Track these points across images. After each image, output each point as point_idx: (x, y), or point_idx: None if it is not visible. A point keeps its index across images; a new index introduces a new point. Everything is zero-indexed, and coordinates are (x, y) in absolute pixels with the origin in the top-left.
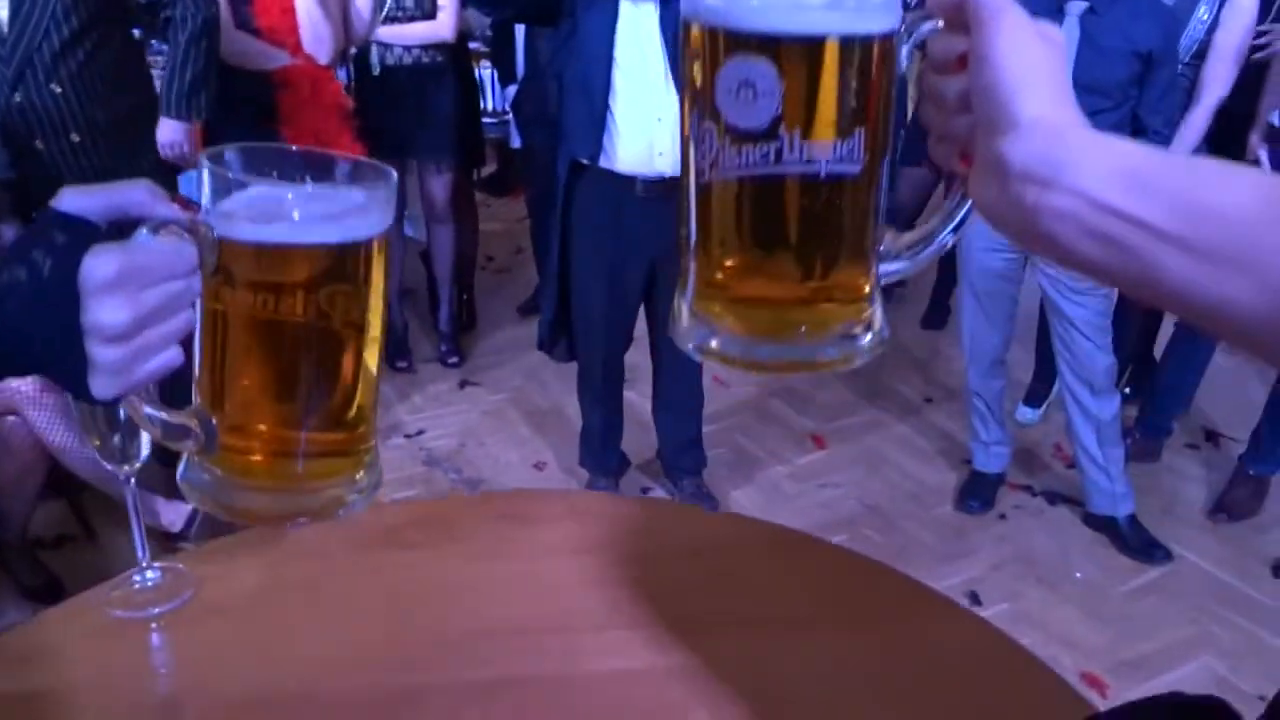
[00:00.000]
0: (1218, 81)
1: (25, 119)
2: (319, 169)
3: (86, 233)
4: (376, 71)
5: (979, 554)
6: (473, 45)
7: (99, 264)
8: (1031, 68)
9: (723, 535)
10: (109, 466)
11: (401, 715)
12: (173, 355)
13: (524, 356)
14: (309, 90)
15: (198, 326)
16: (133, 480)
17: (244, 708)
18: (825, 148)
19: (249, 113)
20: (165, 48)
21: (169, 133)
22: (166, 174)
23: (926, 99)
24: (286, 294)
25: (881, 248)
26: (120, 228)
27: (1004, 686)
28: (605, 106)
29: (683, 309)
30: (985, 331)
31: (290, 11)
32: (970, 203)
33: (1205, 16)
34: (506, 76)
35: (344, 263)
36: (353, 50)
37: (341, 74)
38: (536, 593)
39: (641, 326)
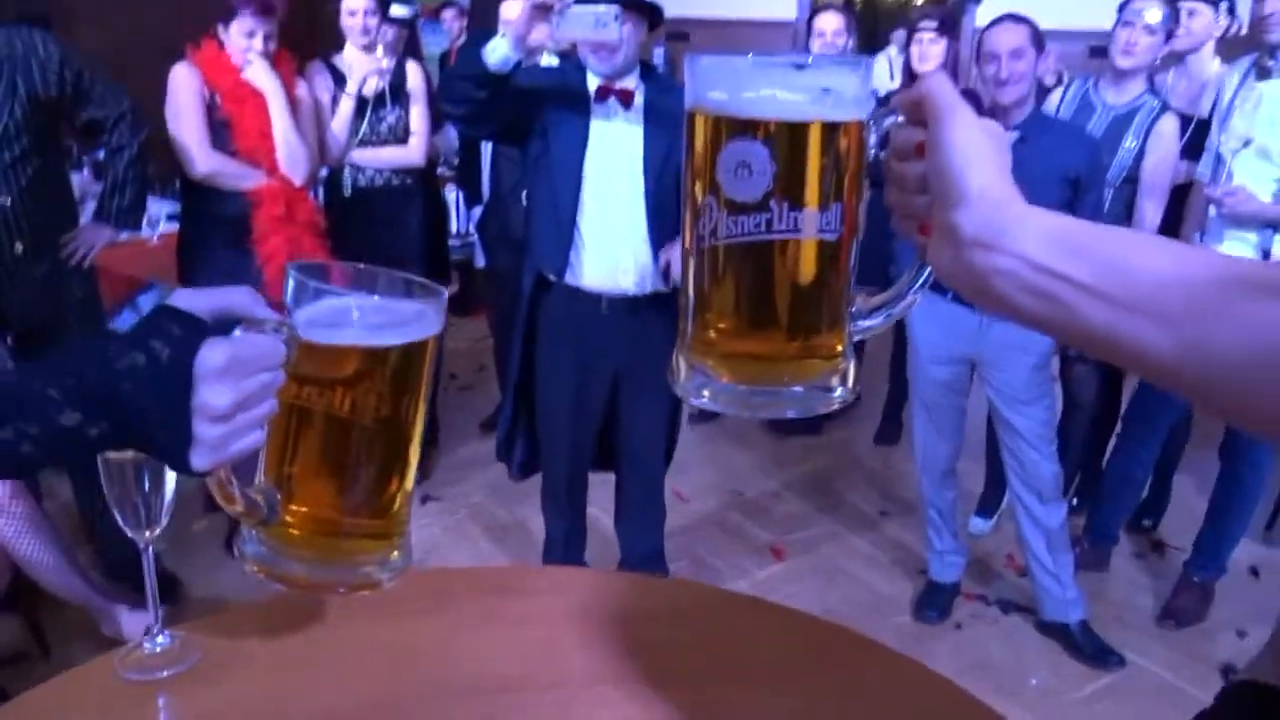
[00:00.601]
0: (1147, 217)
1: None
2: (385, 284)
3: (199, 327)
4: (348, 193)
5: (936, 663)
6: (440, 170)
7: (212, 355)
8: (978, 152)
9: (699, 598)
10: (130, 533)
11: None
12: (259, 436)
13: (485, 472)
14: (284, 209)
15: None
16: (150, 548)
17: None
18: (810, 217)
19: (226, 229)
20: (92, 157)
21: (95, 235)
22: (85, 276)
23: (891, 182)
24: (348, 390)
25: (854, 309)
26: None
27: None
28: (573, 224)
29: (680, 363)
30: (935, 442)
31: (267, 135)
32: (929, 268)
33: (1131, 145)
34: (473, 198)
35: (400, 364)
36: (324, 171)
37: (313, 195)
38: (526, 653)
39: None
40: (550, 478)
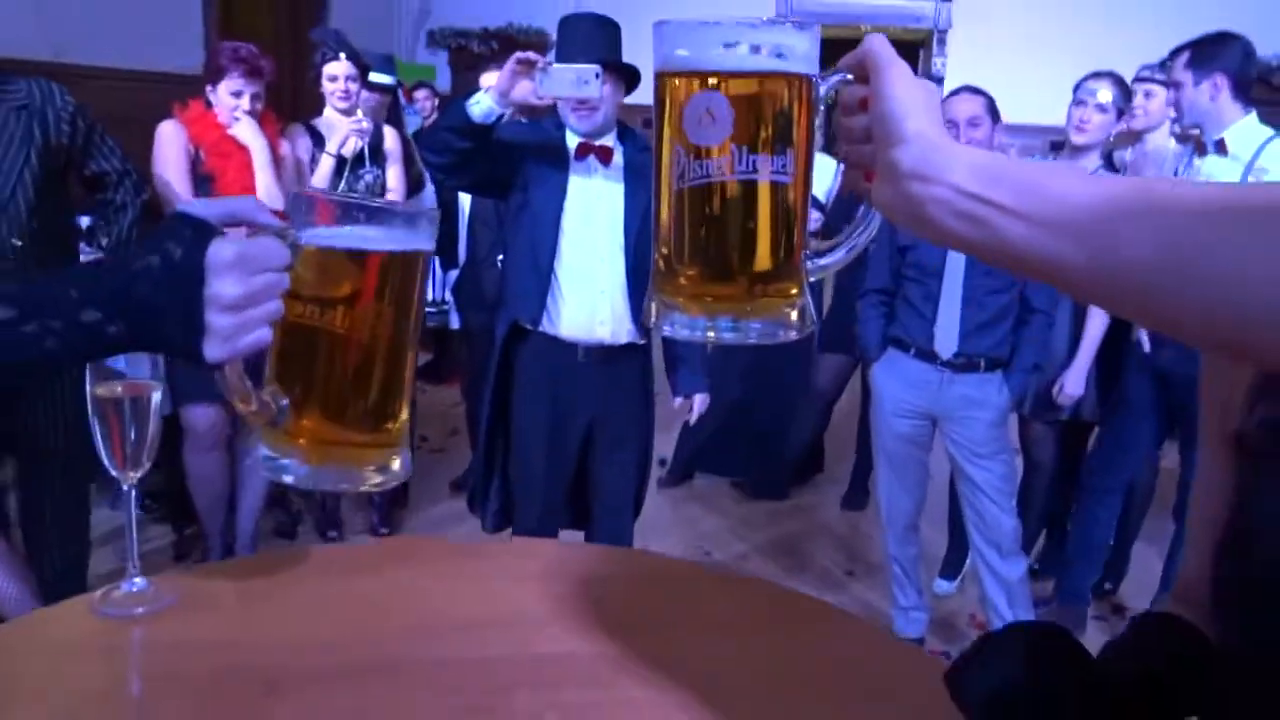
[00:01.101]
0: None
1: None
2: (378, 205)
3: (209, 230)
4: None
5: None
6: None
7: (222, 249)
8: (913, 100)
9: (667, 567)
10: (114, 473)
11: (370, 685)
12: (266, 333)
13: (455, 530)
14: None
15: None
16: (134, 489)
17: (217, 686)
18: (765, 160)
19: None
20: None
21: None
22: None
23: (840, 136)
24: (346, 300)
25: (808, 250)
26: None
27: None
28: (550, 272)
29: (652, 304)
30: (899, 495)
31: (249, 190)
32: (875, 212)
33: None
34: (449, 262)
35: (395, 273)
36: None
37: None
38: (488, 598)
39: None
40: (522, 532)
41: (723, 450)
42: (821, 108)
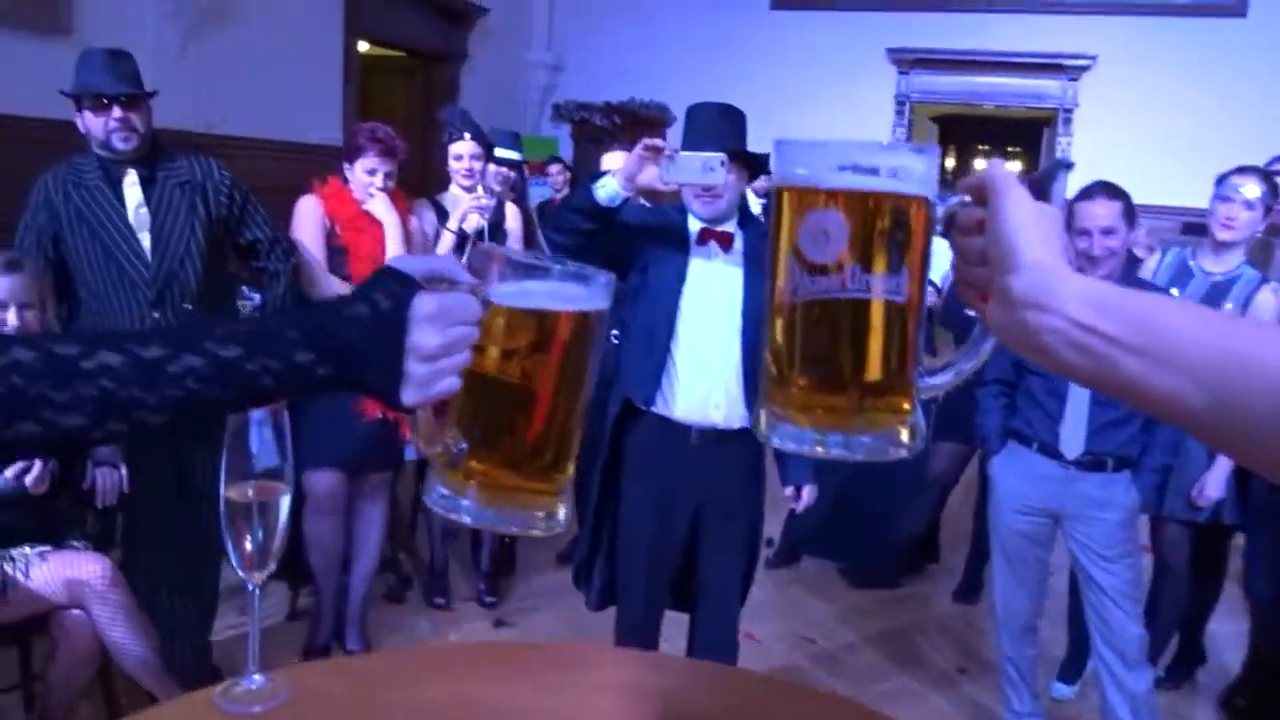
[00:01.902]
0: None
1: None
2: (561, 266)
3: (413, 284)
4: None
5: None
6: None
7: (424, 303)
8: (1030, 225)
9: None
10: (241, 574)
11: None
12: (456, 382)
13: (560, 603)
14: None
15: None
16: (258, 590)
17: None
18: (878, 279)
19: None
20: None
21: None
22: None
23: (957, 255)
24: (526, 354)
25: (921, 367)
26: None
27: None
28: (667, 354)
29: (761, 413)
30: (1016, 595)
31: (379, 262)
32: (990, 336)
33: (1232, 308)
34: None
35: (572, 331)
36: None
37: None
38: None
39: None
40: (626, 610)
41: (831, 534)
42: (939, 229)
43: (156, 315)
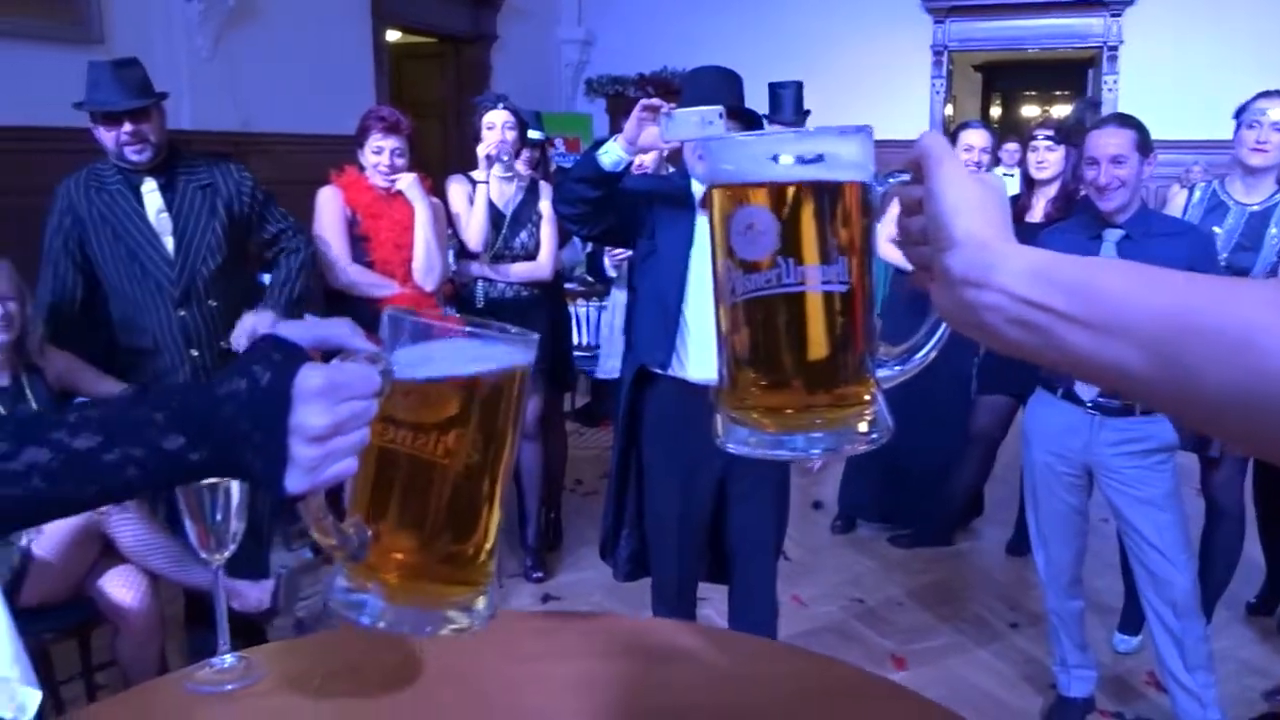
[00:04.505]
0: None
1: (186, 331)
2: (475, 326)
3: (299, 354)
4: (481, 304)
5: None
6: (568, 285)
7: (310, 376)
8: (964, 198)
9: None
10: (202, 554)
11: None
12: (351, 465)
13: (607, 575)
14: None
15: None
16: (221, 571)
17: None
18: (814, 271)
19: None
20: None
21: (259, 320)
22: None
23: (901, 237)
24: (436, 430)
25: (876, 357)
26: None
27: None
28: (678, 315)
29: (718, 418)
30: (1055, 546)
31: (403, 248)
32: (944, 321)
33: (1275, 232)
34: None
35: (487, 399)
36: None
37: (449, 310)
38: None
39: None
40: (660, 581)
41: (885, 500)
42: (878, 210)
43: (183, 313)
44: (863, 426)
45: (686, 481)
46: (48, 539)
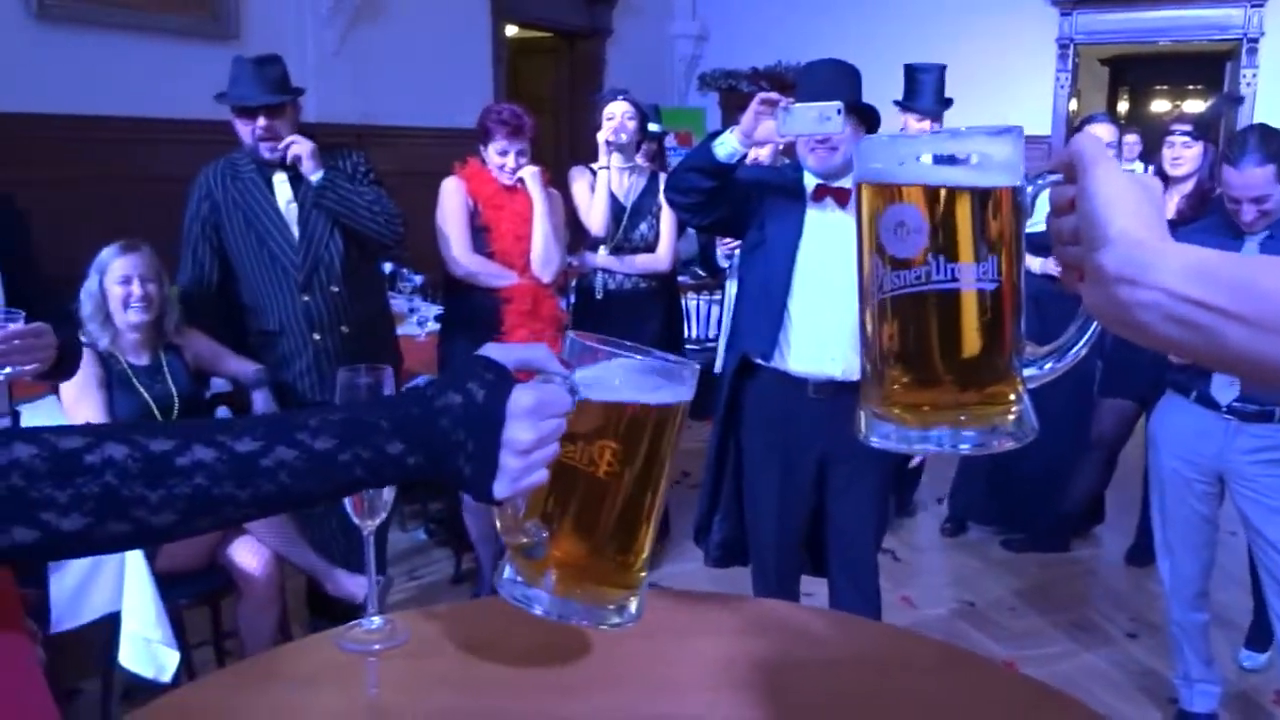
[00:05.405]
0: None
1: (309, 316)
2: (645, 356)
3: (507, 375)
4: (599, 295)
5: None
6: (681, 279)
7: (521, 397)
8: (1118, 197)
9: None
10: (355, 519)
11: None
12: (544, 475)
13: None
14: (530, 305)
15: None
16: (371, 536)
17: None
18: (965, 269)
19: (479, 323)
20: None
21: (303, 149)
22: (394, 351)
23: (1051, 237)
24: (608, 445)
25: (1022, 357)
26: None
27: None
28: (783, 307)
29: (861, 413)
30: (1180, 557)
31: (522, 239)
32: (1095, 319)
33: None
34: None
35: (654, 422)
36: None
37: (563, 302)
38: (702, 658)
39: None
40: (760, 570)
41: (994, 502)
42: (1028, 210)
43: (306, 299)
44: (1009, 423)
45: (785, 473)
46: None
